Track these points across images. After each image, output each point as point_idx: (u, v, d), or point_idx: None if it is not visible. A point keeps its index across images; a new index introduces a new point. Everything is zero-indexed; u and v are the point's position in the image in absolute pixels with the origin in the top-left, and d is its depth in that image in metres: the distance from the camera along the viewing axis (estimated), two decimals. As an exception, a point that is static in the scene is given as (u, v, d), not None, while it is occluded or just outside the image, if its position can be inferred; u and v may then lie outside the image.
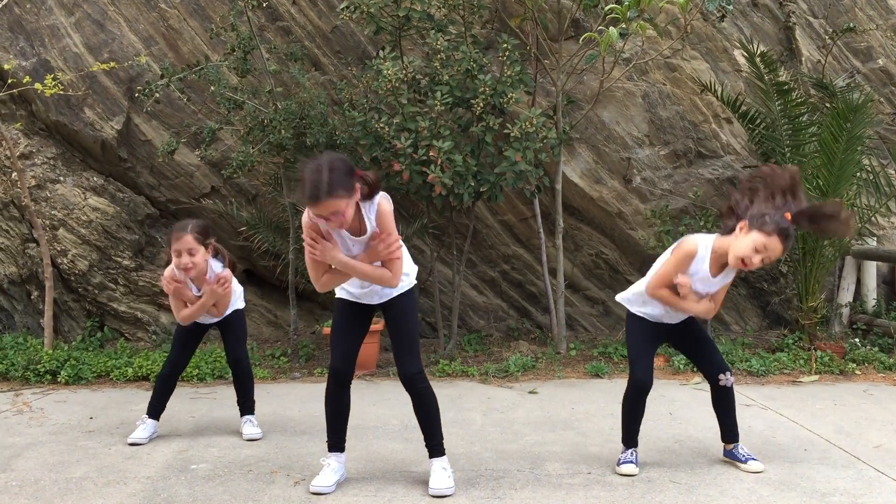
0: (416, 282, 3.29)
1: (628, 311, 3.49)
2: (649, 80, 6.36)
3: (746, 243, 3.03)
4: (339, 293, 3.28)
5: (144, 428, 3.93)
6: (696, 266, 3.20)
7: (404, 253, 3.19)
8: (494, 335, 6.71)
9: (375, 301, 3.23)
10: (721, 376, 3.41)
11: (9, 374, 5.44)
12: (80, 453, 3.73)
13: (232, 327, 4.04)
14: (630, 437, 3.49)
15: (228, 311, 3.99)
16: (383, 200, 3.05)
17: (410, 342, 3.21)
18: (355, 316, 3.27)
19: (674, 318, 3.40)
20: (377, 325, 5.72)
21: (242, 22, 5.74)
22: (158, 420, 4.01)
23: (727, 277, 3.27)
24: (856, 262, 6.69)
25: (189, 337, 4.00)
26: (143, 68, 6.22)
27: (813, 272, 5.95)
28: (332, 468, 3.23)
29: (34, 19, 6.27)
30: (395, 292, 3.21)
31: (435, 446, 3.22)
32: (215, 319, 3.98)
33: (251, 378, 4.11)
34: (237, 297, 4.05)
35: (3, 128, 5.86)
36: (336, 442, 3.29)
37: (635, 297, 3.45)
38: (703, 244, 3.20)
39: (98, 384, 5.34)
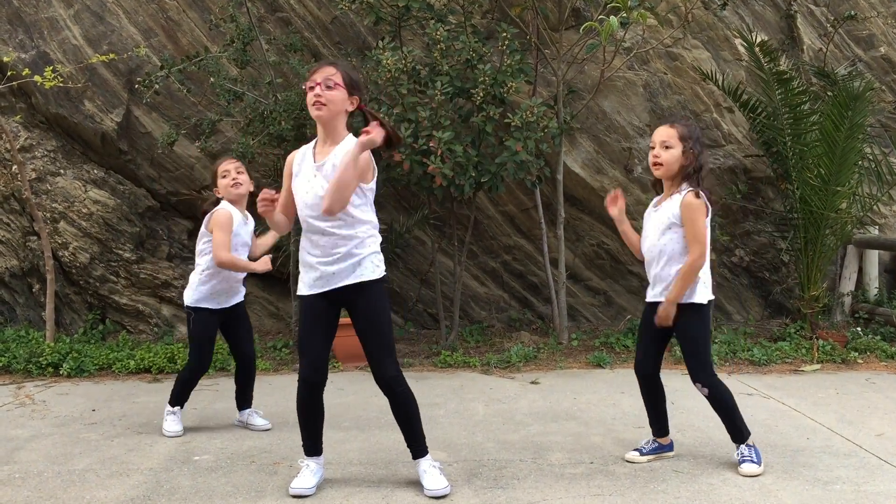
0: (384, 275, 3.08)
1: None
2: (650, 70, 6.34)
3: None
4: (300, 288, 3.09)
5: (176, 420, 3.93)
6: (648, 214, 3.71)
7: (375, 240, 3.06)
8: (496, 326, 6.71)
9: (337, 284, 3.00)
10: (696, 384, 3.30)
11: (11, 367, 5.45)
12: (83, 445, 3.74)
13: (244, 320, 4.03)
14: (658, 428, 3.51)
15: (236, 300, 3.98)
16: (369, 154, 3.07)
17: (381, 341, 3.01)
18: (318, 315, 3.07)
19: (652, 294, 3.37)
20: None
21: (241, 13, 5.72)
22: (183, 408, 4.01)
23: (671, 207, 3.51)
24: (857, 251, 6.68)
25: (212, 340, 3.95)
26: (143, 60, 6.21)
27: (815, 261, 5.94)
28: (310, 469, 3.14)
29: (33, 11, 6.24)
30: (359, 279, 3.00)
31: (418, 447, 3.10)
32: (236, 300, 3.95)
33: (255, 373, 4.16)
34: (242, 288, 4.05)
35: (3, 121, 5.85)
36: (312, 445, 3.18)
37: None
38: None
39: (100, 377, 5.34)
